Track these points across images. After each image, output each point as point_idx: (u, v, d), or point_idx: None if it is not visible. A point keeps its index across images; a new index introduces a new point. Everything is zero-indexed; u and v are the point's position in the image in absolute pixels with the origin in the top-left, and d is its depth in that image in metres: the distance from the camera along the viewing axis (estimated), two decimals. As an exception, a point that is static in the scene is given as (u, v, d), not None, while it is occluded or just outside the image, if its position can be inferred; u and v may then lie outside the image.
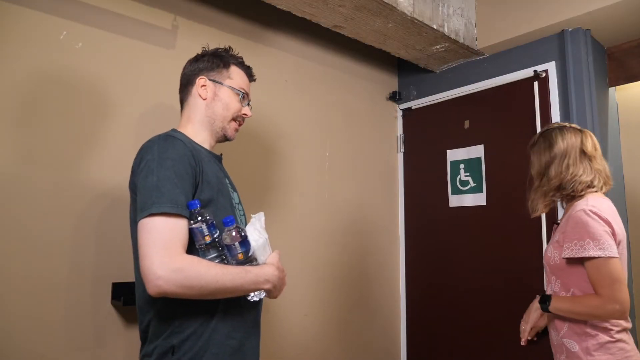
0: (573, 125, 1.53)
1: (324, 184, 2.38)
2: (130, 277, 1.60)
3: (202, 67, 1.29)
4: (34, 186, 1.47)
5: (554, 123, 1.59)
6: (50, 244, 1.48)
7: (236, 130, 1.34)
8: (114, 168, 1.64)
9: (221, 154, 1.33)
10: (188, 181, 1.07)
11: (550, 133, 1.52)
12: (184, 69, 1.33)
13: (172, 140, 1.11)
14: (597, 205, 1.37)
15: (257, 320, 1.23)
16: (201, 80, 1.28)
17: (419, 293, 2.64)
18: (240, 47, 2.08)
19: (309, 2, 1.90)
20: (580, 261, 1.36)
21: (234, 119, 1.31)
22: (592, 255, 1.31)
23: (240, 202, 1.32)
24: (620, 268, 1.32)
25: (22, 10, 1.50)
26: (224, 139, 1.32)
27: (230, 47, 1.36)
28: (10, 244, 1.41)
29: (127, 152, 1.68)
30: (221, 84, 1.29)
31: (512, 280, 2.21)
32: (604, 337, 1.34)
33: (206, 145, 1.26)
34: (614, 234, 1.35)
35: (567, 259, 1.39)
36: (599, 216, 1.35)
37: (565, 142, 1.48)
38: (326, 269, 2.33)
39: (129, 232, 1.59)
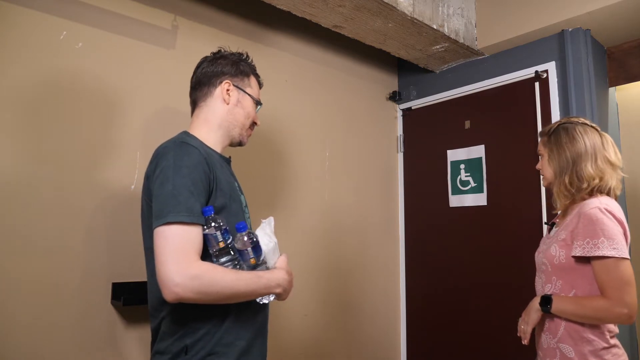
0: (594, 124, 1.48)
1: (324, 184, 2.38)
2: (130, 277, 1.61)
3: (226, 72, 1.28)
4: (34, 187, 1.47)
5: (572, 117, 1.52)
6: (51, 244, 1.48)
7: (249, 136, 1.36)
8: (114, 169, 1.64)
9: (229, 157, 1.33)
10: (203, 189, 1.09)
11: (573, 127, 1.45)
12: (201, 67, 1.30)
13: (187, 147, 1.12)
14: (610, 205, 1.35)
15: (265, 322, 1.25)
16: (226, 85, 1.27)
17: (419, 293, 2.64)
18: (240, 47, 2.07)
19: (309, 2, 1.90)
20: (588, 261, 1.32)
21: (249, 126, 1.35)
22: (606, 255, 1.26)
23: (246, 205, 1.33)
24: (631, 271, 1.27)
25: (22, 10, 1.50)
26: (238, 144, 1.35)
27: (247, 53, 1.36)
28: (10, 244, 1.41)
29: (127, 152, 1.68)
30: (244, 92, 1.31)
31: (512, 281, 2.21)
32: (600, 343, 1.31)
33: (218, 149, 1.27)
34: (625, 235, 1.32)
35: (576, 257, 1.33)
36: (614, 215, 1.32)
37: (590, 141, 1.42)
38: (326, 269, 2.33)
39: (129, 233, 1.60)
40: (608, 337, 1.32)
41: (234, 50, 1.37)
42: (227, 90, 1.27)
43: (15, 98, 1.46)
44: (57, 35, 1.56)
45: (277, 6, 1.94)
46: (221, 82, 1.27)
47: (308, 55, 2.38)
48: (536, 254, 1.56)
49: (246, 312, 1.16)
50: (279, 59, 2.24)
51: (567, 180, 1.42)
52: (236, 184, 1.29)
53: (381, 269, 2.63)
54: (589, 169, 1.39)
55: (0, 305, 1.38)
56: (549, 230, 1.56)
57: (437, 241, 2.59)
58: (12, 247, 1.41)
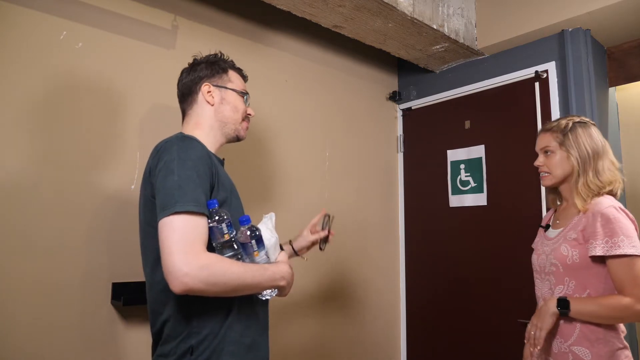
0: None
1: (324, 184, 2.38)
2: (130, 277, 1.61)
3: (203, 75, 1.30)
4: (34, 187, 1.47)
5: (580, 116, 1.50)
6: (51, 244, 1.48)
7: (246, 129, 1.37)
8: (114, 169, 1.64)
9: (223, 159, 1.34)
10: (207, 181, 1.10)
11: (589, 125, 1.46)
12: (182, 79, 1.34)
13: (190, 140, 1.14)
14: (620, 204, 1.35)
15: (267, 318, 1.26)
16: (206, 87, 1.29)
17: (419, 293, 2.64)
18: (241, 47, 2.08)
19: (309, 2, 1.90)
20: (602, 260, 1.31)
21: (243, 119, 1.35)
22: (627, 253, 1.25)
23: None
24: None
25: (22, 10, 1.50)
26: (236, 139, 1.35)
27: (220, 52, 1.38)
28: (10, 244, 1.41)
29: (127, 152, 1.68)
30: (225, 88, 1.31)
31: (512, 280, 2.21)
32: (616, 344, 1.29)
33: (213, 150, 1.28)
34: (638, 233, 1.33)
35: (593, 257, 1.31)
36: (627, 215, 1.32)
37: (602, 141, 1.44)
38: (326, 269, 2.33)
39: (129, 233, 1.60)
40: (622, 337, 1.32)
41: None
42: (208, 92, 1.29)
43: (15, 98, 1.46)
44: (57, 35, 1.56)
45: (277, 6, 1.94)
46: (201, 87, 1.29)
47: (308, 55, 2.38)
48: (535, 257, 1.54)
49: (248, 308, 1.17)
50: (279, 59, 2.24)
51: (590, 176, 1.40)
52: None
53: (381, 269, 2.63)
54: (606, 170, 1.40)
55: (0, 305, 1.38)
56: (544, 232, 1.56)
57: (437, 241, 2.59)
58: (12, 247, 1.41)
